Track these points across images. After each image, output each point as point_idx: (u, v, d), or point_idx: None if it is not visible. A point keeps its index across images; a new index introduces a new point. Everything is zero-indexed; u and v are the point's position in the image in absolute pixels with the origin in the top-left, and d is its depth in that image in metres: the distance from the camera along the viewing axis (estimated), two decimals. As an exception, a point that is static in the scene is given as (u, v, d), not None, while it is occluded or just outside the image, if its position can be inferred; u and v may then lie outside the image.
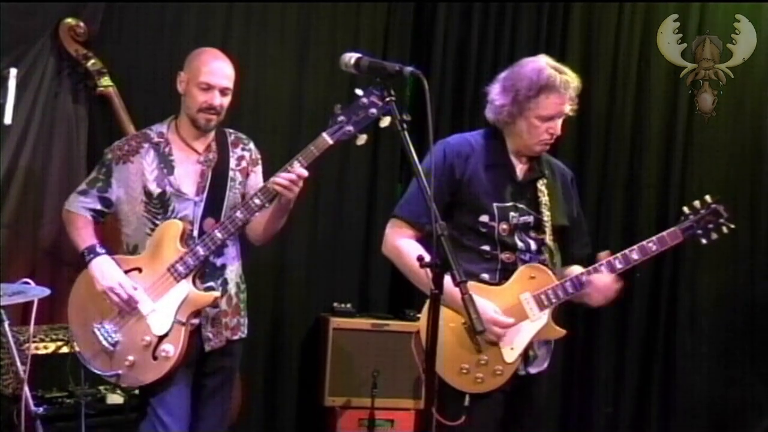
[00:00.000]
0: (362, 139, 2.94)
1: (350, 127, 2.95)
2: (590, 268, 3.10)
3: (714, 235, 3.12)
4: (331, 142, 3.01)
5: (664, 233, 3.10)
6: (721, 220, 3.12)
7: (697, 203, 3.14)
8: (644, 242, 3.10)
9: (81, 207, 3.34)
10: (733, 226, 3.13)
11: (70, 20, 4.31)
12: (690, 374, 5.40)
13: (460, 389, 3.03)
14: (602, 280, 3.07)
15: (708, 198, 3.14)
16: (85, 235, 3.31)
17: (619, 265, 3.09)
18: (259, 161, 3.47)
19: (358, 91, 2.88)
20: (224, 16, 4.92)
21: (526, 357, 3.12)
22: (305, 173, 3.05)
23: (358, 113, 2.92)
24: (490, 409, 3.09)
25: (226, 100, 3.29)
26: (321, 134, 3.02)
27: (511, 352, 3.05)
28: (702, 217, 3.11)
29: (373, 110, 2.86)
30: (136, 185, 3.29)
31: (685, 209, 3.14)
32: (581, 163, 5.39)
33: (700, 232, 3.12)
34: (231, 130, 3.46)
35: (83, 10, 4.38)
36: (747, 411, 5.37)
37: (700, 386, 5.41)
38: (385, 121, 2.71)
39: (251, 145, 3.47)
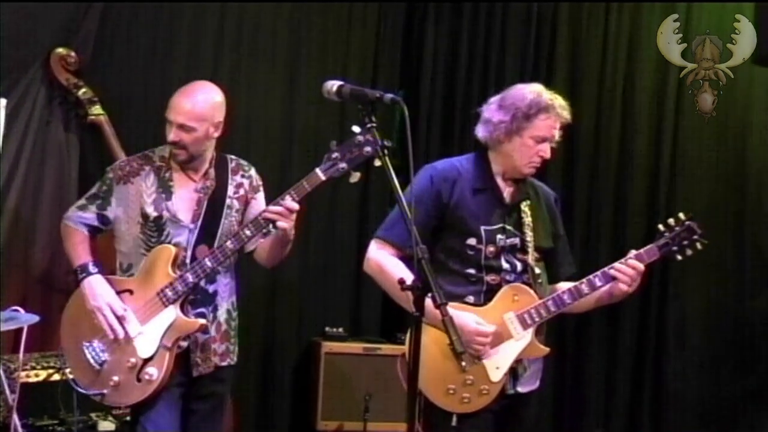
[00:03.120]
0: (355, 176, 2.94)
1: (344, 164, 2.94)
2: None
3: (689, 252, 3.17)
4: (323, 178, 3.01)
5: (642, 250, 3.15)
6: (695, 237, 3.17)
7: (671, 221, 3.19)
8: (622, 260, 3.15)
9: (79, 222, 3.37)
10: (706, 242, 3.18)
11: (61, 50, 4.36)
12: (680, 392, 5.41)
13: (447, 409, 3.05)
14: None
15: (682, 215, 3.20)
16: (80, 251, 3.34)
17: (599, 283, 3.13)
18: (261, 188, 3.48)
19: (355, 128, 2.83)
20: (215, 44, 4.98)
21: (514, 375, 3.14)
22: (296, 206, 3.06)
23: (352, 150, 2.90)
24: (478, 429, 3.10)
25: (188, 136, 3.26)
26: (314, 170, 3.02)
27: (496, 372, 3.08)
28: (677, 234, 3.16)
29: (368, 148, 2.83)
30: (134, 206, 3.32)
31: (661, 227, 3.19)
32: (569, 184, 5.46)
33: (675, 248, 3.16)
34: (233, 157, 3.48)
35: (74, 39, 4.43)
36: (738, 428, 5.38)
37: (691, 404, 5.43)
38: (380, 161, 2.70)
39: (252, 172, 3.48)
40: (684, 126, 5.47)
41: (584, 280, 3.14)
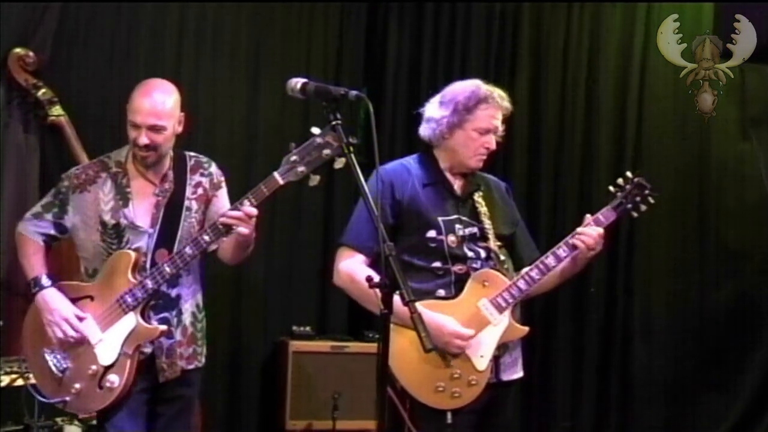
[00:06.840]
0: (315, 180, 2.85)
1: (302, 168, 2.86)
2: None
3: (643, 207, 3.23)
4: (281, 182, 2.94)
5: (598, 214, 3.20)
6: (647, 192, 3.24)
7: (620, 180, 3.25)
8: (580, 227, 3.18)
9: (34, 231, 3.31)
10: (657, 194, 3.24)
11: (19, 50, 4.29)
12: (646, 385, 5.46)
13: (440, 407, 3.05)
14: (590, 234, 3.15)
15: (629, 174, 3.27)
16: (34, 263, 3.29)
17: (564, 254, 3.16)
18: (222, 184, 3.41)
19: (314, 130, 2.79)
20: (175, 42, 4.94)
21: (496, 364, 3.15)
22: (254, 212, 3.01)
23: (311, 153, 2.83)
24: (465, 427, 3.12)
25: (159, 136, 3.20)
26: (272, 174, 2.95)
27: (481, 360, 3.09)
28: (629, 192, 3.22)
29: (328, 151, 2.77)
30: (92, 214, 3.27)
31: (611, 188, 3.25)
32: (534, 180, 5.51)
33: (630, 206, 3.22)
34: (192, 154, 3.41)
35: (32, 39, 4.36)
36: (704, 421, 5.43)
37: (657, 396, 5.47)
38: (340, 163, 2.65)
39: (212, 168, 3.41)
40: (646, 121, 5.52)
41: (548, 253, 3.17)
